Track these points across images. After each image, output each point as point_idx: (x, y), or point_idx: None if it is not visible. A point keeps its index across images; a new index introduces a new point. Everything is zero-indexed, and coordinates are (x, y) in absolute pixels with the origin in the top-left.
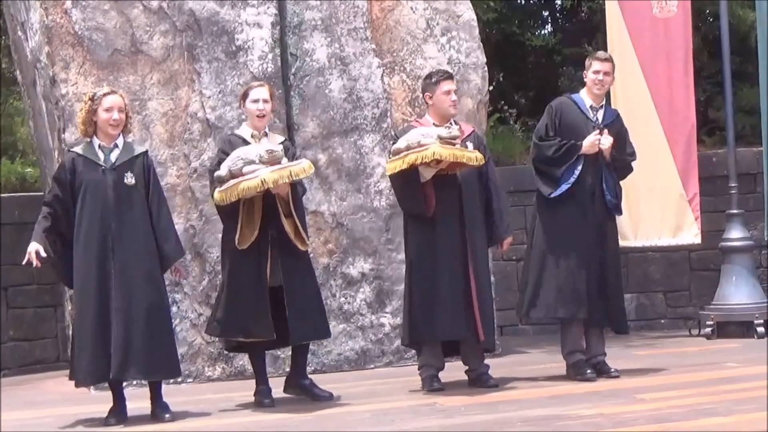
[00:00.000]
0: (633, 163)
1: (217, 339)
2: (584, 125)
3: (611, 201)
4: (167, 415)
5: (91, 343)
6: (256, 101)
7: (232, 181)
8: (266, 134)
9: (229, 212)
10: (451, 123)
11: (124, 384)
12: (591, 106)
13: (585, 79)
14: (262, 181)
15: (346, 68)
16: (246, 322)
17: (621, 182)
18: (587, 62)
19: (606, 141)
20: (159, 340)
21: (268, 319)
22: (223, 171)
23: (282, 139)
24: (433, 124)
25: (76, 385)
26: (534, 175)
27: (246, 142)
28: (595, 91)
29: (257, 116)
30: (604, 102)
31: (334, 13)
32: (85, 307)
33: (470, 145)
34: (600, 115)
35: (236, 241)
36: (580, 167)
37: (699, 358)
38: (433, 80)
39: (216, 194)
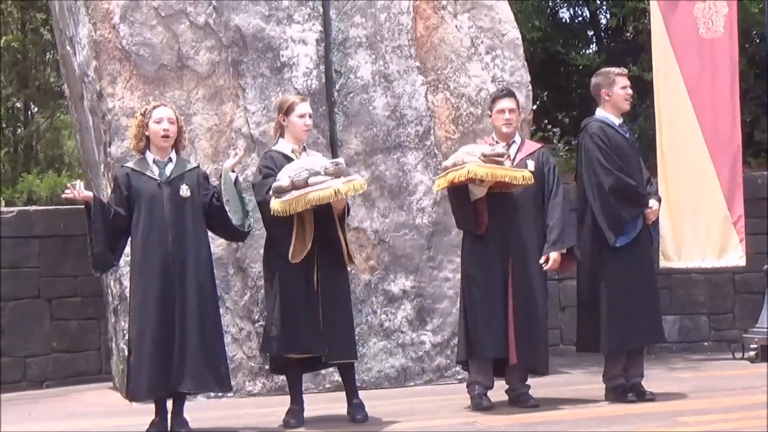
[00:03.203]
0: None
1: (260, 355)
2: (625, 145)
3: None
4: (184, 431)
5: (152, 357)
6: (303, 116)
7: (297, 192)
8: (305, 149)
9: (282, 224)
10: (513, 141)
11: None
12: (619, 125)
13: (607, 98)
14: (335, 192)
15: (390, 85)
16: (302, 337)
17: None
18: (607, 80)
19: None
20: (211, 354)
21: (321, 333)
22: (284, 181)
23: (320, 155)
24: (496, 141)
25: (134, 400)
26: (601, 208)
27: (287, 158)
28: (626, 106)
29: (304, 131)
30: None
31: (378, 31)
32: (147, 321)
33: (530, 164)
34: (627, 131)
35: (290, 255)
36: (642, 222)
37: (742, 381)
38: (491, 98)
39: (277, 204)
